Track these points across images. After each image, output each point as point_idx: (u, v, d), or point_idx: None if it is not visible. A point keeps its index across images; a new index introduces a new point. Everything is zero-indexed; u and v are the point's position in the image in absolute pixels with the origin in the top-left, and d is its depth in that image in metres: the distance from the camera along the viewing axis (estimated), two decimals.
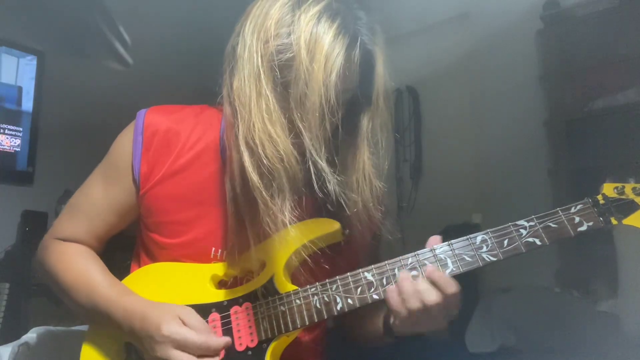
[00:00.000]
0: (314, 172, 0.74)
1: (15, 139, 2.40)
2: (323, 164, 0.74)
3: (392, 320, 0.79)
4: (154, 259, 0.91)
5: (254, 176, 0.74)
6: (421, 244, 0.79)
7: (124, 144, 0.88)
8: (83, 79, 2.51)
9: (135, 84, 2.53)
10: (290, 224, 0.74)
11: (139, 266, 0.93)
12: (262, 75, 0.75)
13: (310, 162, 0.74)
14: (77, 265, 0.88)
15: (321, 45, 0.73)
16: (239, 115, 0.76)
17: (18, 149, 2.40)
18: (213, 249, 0.86)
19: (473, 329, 1.82)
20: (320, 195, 0.76)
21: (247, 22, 0.79)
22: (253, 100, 0.74)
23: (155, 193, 0.86)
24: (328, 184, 0.75)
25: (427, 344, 0.82)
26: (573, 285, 1.95)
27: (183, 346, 0.74)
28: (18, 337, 1.17)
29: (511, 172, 2.39)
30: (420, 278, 0.75)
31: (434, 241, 0.79)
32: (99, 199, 0.90)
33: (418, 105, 2.90)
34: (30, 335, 1.17)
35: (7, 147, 2.36)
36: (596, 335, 1.52)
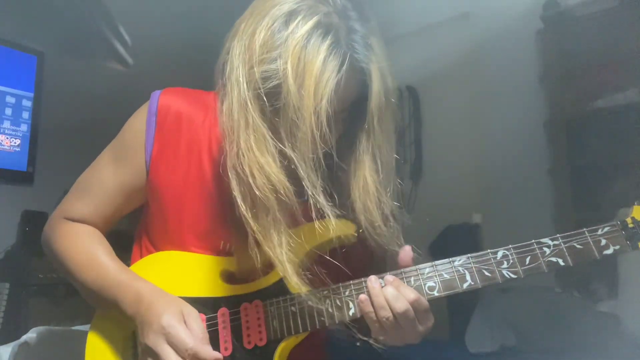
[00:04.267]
0: (313, 202, 0.70)
1: (15, 139, 2.40)
2: (320, 198, 0.70)
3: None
4: (159, 247, 0.89)
5: (242, 206, 0.70)
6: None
7: (137, 125, 0.86)
8: (83, 79, 2.51)
9: (135, 84, 2.52)
10: (287, 261, 0.71)
11: (141, 253, 0.92)
12: (249, 103, 0.69)
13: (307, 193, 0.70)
14: (86, 246, 0.87)
15: (310, 70, 0.66)
16: (227, 140, 0.72)
17: (18, 149, 2.40)
18: (222, 241, 0.84)
19: (473, 329, 1.82)
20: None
21: (234, 41, 0.73)
22: (242, 128, 0.70)
23: (165, 178, 0.84)
24: (328, 217, 0.71)
25: (427, 344, 0.81)
26: (573, 286, 1.95)
27: (174, 344, 0.71)
28: (18, 337, 1.17)
29: (511, 172, 2.38)
30: (388, 286, 0.73)
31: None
32: (107, 179, 0.88)
33: (418, 105, 2.90)
34: (30, 335, 1.17)
35: (7, 147, 2.36)
36: (596, 335, 1.52)
